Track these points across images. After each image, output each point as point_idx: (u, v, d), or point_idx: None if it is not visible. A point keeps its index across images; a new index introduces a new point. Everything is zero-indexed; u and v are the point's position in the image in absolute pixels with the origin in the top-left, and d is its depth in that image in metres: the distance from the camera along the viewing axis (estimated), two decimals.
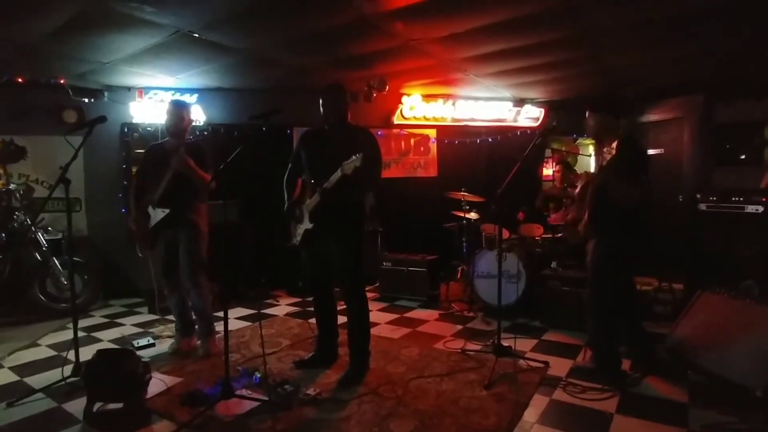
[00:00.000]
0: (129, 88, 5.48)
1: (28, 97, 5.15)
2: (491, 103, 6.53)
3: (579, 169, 7.53)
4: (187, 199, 3.31)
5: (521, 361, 3.18)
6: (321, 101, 3.05)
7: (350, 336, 3.12)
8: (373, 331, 3.25)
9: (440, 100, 6.37)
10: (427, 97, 6.31)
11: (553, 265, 4.34)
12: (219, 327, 3.36)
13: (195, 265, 3.34)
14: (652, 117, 6.14)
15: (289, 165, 3.23)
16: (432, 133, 6.55)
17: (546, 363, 3.19)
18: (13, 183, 4.98)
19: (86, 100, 5.34)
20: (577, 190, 3.20)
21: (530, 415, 2.54)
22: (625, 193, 2.70)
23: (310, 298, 3.36)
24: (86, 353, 2.90)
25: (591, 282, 3.00)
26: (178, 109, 3.42)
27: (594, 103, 3.07)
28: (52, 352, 3.63)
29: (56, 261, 4.66)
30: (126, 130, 5.54)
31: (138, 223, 3.44)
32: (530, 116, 6.69)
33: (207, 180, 3.20)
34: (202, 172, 3.25)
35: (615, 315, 2.95)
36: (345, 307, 3.11)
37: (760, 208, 3.50)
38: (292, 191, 3.18)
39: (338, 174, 2.74)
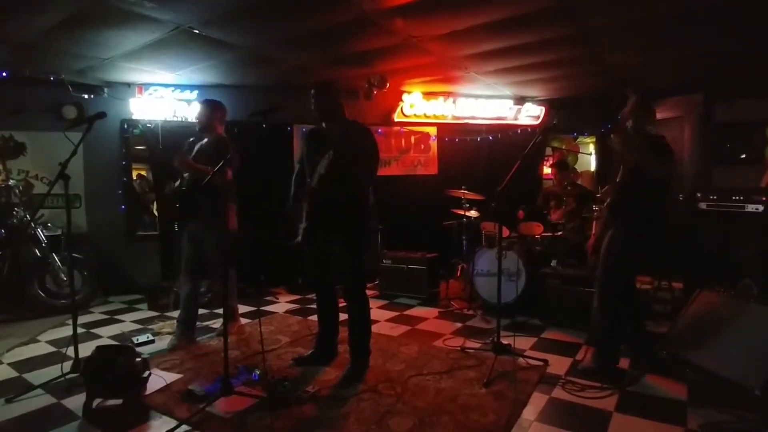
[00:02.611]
0: (129, 85, 5.47)
1: (27, 93, 5.15)
2: (492, 101, 6.52)
3: (579, 167, 7.56)
4: (208, 198, 3.36)
5: (520, 359, 3.18)
6: (312, 100, 3.04)
7: (351, 334, 3.12)
8: (373, 328, 3.25)
9: (440, 98, 6.36)
10: (428, 95, 6.30)
11: (553, 263, 4.34)
12: (215, 324, 3.39)
13: (222, 261, 3.43)
14: None
15: (297, 165, 3.24)
16: (432, 131, 6.54)
17: (545, 361, 3.19)
18: (12, 179, 4.99)
19: (86, 96, 5.33)
20: (603, 190, 3.19)
21: (529, 413, 2.54)
22: (658, 163, 2.72)
23: (310, 296, 3.37)
24: (85, 349, 2.90)
25: (604, 275, 2.97)
26: (204, 106, 3.67)
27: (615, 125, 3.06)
28: (52, 349, 3.63)
29: (56, 257, 4.66)
30: (126, 126, 5.54)
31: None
32: (531, 114, 6.68)
33: (207, 173, 3.22)
34: (200, 167, 3.35)
35: (622, 312, 2.95)
36: (345, 304, 3.10)
37: (760, 207, 3.50)
38: (298, 190, 3.15)
39: (317, 173, 2.78)
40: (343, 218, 2.95)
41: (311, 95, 3.03)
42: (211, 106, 3.68)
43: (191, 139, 3.69)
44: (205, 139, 3.68)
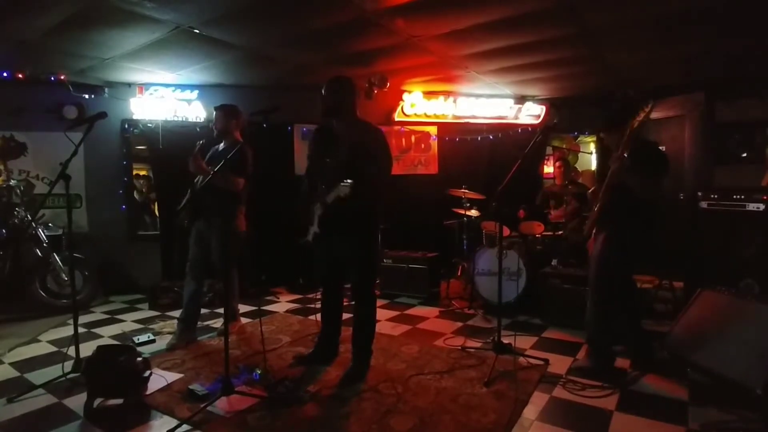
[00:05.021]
0: (129, 85, 5.48)
1: (28, 93, 5.15)
2: (492, 101, 6.52)
3: (580, 167, 7.56)
4: (216, 199, 3.40)
5: (521, 359, 3.18)
6: (324, 95, 2.92)
7: (355, 334, 3.10)
8: None
9: (441, 98, 6.35)
10: (428, 95, 6.30)
11: (554, 263, 4.34)
12: (216, 324, 3.37)
13: (225, 260, 3.46)
14: (652, 115, 6.11)
15: (308, 162, 3.16)
16: (433, 130, 6.54)
17: (546, 360, 3.19)
18: (13, 179, 4.99)
19: (87, 96, 5.34)
20: (590, 191, 3.19)
21: (530, 412, 2.54)
22: (644, 186, 2.70)
23: (311, 296, 3.36)
24: (87, 349, 2.90)
25: (595, 277, 2.97)
26: (220, 112, 3.66)
27: (606, 124, 3.03)
28: (53, 348, 3.64)
29: (57, 257, 4.66)
30: (126, 126, 5.55)
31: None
32: (531, 113, 6.67)
33: (221, 178, 3.25)
34: (206, 167, 3.39)
35: (616, 312, 2.95)
36: (350, 304, 3.10)
37: (761, 207, 3.50)
38: (311, 188, 3.05)
39: (334, 194, 2.69)
40: (358, 219, 2.90)
41: (325, 89, 2.92)
42: (228, 112, 3.65)
43: (201, 141, 3.67)
44: (221, 144, 3.69)
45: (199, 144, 3.59)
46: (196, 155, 3.43)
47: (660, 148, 2.94)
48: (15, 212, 4.63)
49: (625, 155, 2.78)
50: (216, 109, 3.71)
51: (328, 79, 2.96)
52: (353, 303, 3.08)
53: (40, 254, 4.62)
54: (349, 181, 2.60)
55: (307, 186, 3.11)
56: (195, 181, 3.62)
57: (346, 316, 3.27)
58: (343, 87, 2.95)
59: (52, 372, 3.03)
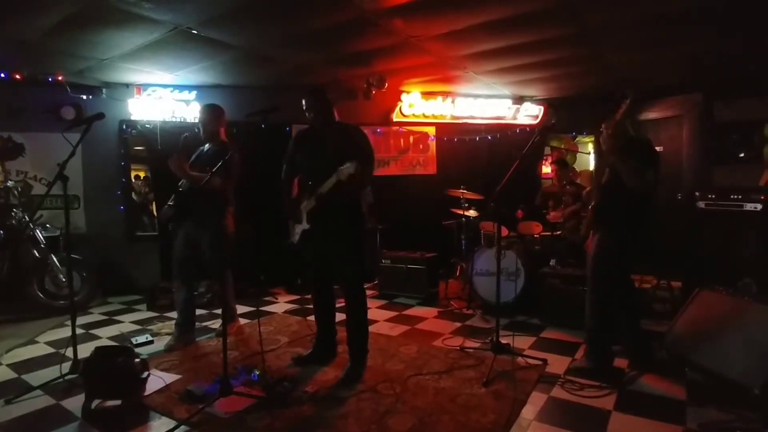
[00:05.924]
0: (127, 85, 5.47)
1: (26, 93, 5.14)
2: (490, 101, 6.52)
3: (578, 167, 7.56)
4: (204, 200, 3.36)
5: (519, 359, 3.18)
6: (304, 105, 3.05)
7: (351, 335, 3.12)
8: (372, 328, 3.26)
9: (439, 98, 6.36)
10: (426, 95, 6.31)
11: (552, 262, 4.34)
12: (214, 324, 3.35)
13: (219, 262, 3.43)
14: (651, 115, 6.14)
15: (284, 165, 3.23)
16: (431, 130, 6.54)
17: (544, 360, 3.19)
18: (11, 180, 4.99)
19: (84, 97, 5.33)
20: (586, 191, 3.20)
21: (528, 412, 2.54)
22: (636, 173, 2.69)
23: (309, 296, 3.37)
24: (85, 350, 2.90)
25: (592, 277, 2.97)
26: (207, 111, 3.59)
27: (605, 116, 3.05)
28: (51, 349, 3.63)
29: (54, 258, 4.65)
30: (124, 127, 5.54)
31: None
32: (529, 114, 6.68)
33: (200, 180, 3.21)
34: (195, 174, 3.33)
35: (614, 311, 2.95)
36: (344, 304, 3.11)
37: (759, 206, 3.50)
38: (288, 190, 3.19)
39: (333, 180, 2.77)
40: (346, 218, 2.98)
41: (306, 101, 3.03)
42: (216, 112, 3.60)
43: (185, 134, 3.61)
44: (207, 145, 3.63)
45: (183, 137, 3.54)
46: (180, 155, 3.36)
47: (648, 140, 2.94)
48: (13, 213, 4.62)
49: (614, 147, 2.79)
50: (203, 109, 3.63)
51: (309, 92, 3.05)
52: (346, 302, 3.09)
53: (37, 255, 4.61)
54: (349, 163, 2.68)
55: (286, 189, 3.18)
56: (179, 183, 3.56)
57: (339, 317, 3.27)
58: (318, 96, 3.05)
59: (50, 373, 3.02)
